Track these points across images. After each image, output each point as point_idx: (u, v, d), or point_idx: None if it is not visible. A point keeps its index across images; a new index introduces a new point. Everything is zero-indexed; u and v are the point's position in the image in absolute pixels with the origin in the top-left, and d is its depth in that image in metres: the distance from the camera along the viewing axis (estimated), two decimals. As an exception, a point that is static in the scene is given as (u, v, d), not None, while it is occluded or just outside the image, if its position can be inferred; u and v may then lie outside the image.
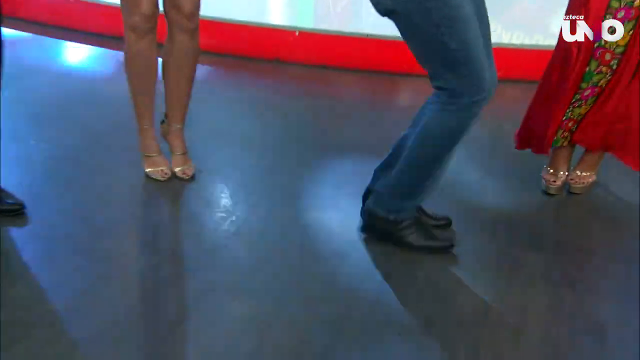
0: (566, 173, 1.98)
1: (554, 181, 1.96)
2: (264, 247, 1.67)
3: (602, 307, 1.47)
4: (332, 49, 2.98)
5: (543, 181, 1.98)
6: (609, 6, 1.72)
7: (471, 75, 1.39)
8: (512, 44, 2.92)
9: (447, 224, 1.75)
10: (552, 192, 1.96)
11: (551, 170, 1.99)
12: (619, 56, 1.77)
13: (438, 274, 1.58)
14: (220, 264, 1.59)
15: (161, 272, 1.56)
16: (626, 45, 1.75)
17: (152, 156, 1.94)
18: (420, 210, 1.72)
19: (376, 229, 1.66)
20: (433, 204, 1.73)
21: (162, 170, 1.94)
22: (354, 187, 1.77)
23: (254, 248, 1.67)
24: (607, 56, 1.77)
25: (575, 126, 1.91)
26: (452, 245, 1.64)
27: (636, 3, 1.70)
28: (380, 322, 1.39)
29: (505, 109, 2.73)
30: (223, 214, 1.80)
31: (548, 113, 1.89)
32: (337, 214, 1.84)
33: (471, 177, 2.08)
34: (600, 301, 1.50)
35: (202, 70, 2.90)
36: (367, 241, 1.68)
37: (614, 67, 1.79)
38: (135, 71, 1.83)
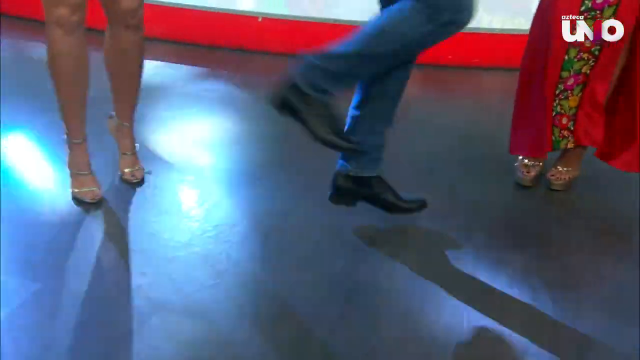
0: (540, 164, 1.87)
1: (528, 172, 1.85)
2: (217, 259, 1.50)
3: (584, 316, 1.36)
4: (301, 36, 2.78)
5: (517, 173, 1.87)
6: None
7: None
8: (492, 29, 2.76)
9: (421, 206, 1.63)
10: (526, 183, 1.85)
11: (525, 160, 1.87)
12: (600, 43, 1.65)
13: (407, 283, 1.44)
14: (169, 280, 1.42)
15: (104, 288, 1.40)
16: None
17: (82, 175, 1.71)
18: (394, 194, 1.58)
19: (287, 103, 1.41)
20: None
21: (92, 191, 1.70)
22: (321, 190, 1.61)
23: (207, 261, 1.50)
24: (587, 42, 1.66)
25: (572, 123, 1.78)
26: (357, 150, 1.45)
27: None
28: (341, 342, 1.25)
29: (484, 97, 2.61)
30: (173, 223, 1.63)
31: (533, 108, 1.76)
32: (300, 221, 1.67)
33: (446, 171, 1.95)
34: (583, 309, 1.38)
35: (157, 61, 2.74)
36: (330, 253, 1.53)
37: (596, 52, 1.68)
38: (62, 74, 1.57)
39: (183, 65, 2.83)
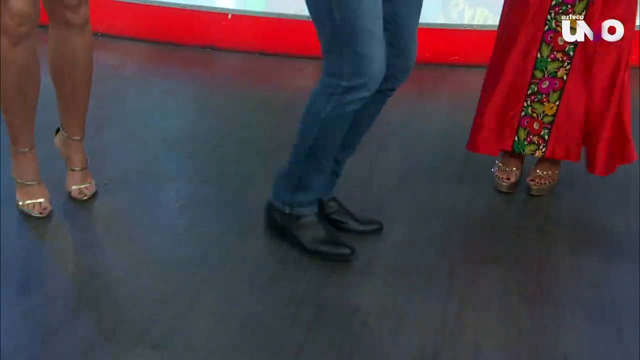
0: (519, 169, 1.77)
1: (507, 178, 1.76)
2: (171, 282, 1.36)
3: (564, 334, 1.26)
4: (274, 34, 2.66)
5: (495, 178, 1.78)
6: None
7: (354, 55, 1.23)
8: (471, 25, 2.64)
9: (377, 229, 1.54)
10: (504, 189, 1.76)
11: (503, 166, 1.78)
12: (573, 42, 1.58)
13: (377, 303, 1.33)
14: (115, 305, 1.29)
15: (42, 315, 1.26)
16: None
17: (29, 185, 1.55)
18: (347, 213, 1.53)
19: (276, 223, 1.49)
20: (373, 209, 1.55)
21: (40, 203, 1.55)
22: None
23: (158, 284, 1.36)
24: (560, 40, 1.59)
25: (547, 132, 1.68)
26: (351, 254, 1.44)
27: None
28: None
29: (464, 98, 2.50)
30: (124, 241, 1.50)
31: (494, 101, 1.66)
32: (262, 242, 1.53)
33: (420, 176, 1.84)
34: (563, 327, 1.29)
35: (121, 60, 2.58)
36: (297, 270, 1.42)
37: (571, 54, 1.59)
38: (10, 86, 1.43)
39: (147, 64, 2.69)
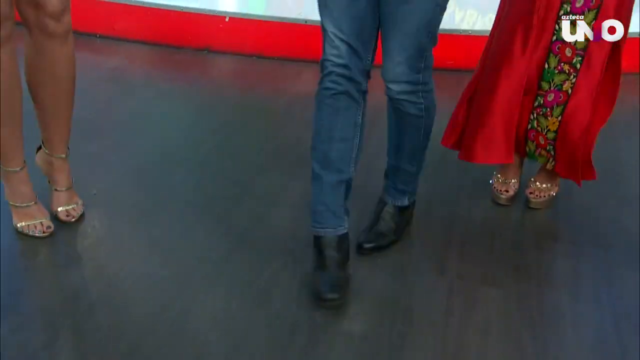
0: (517, 181, 1.73)
1: (506, 190, 1.71)
2: (157, 300, 1.30)
3: (568, 356, 1.22)
4: (272, 37, 2.59)
5: (493, 190, 1.73)
6: None
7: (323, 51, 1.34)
8: (465, 30, 2.57)
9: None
10: (502, 202, 1.71)
11: (501, 178, 1.73)
12: (581, 53, 1.51)
13: (372, 325, 1.27)
14: (102, 324, 1.23)
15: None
16: (587, 40, 1.50)
17: (27, 206, 1.46)
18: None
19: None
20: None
21: (42, 223, 1.46)
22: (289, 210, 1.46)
23: (145, 301, 1.30)
24: (568, 52, 1.53)
25: (552, 149, 1.62)
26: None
27: None
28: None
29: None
30: (110, 257, 1.43)
31: (495, 110, 1.58)
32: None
33: (419, 191, 1.71)
34: (566, 348, 1.24)
35: (118, 63, 2.49)
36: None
37: (578, 66, 1.53)
38: None
39: (144, 67, 2.62)
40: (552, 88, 1.58)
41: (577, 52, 1.52)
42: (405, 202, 1.56)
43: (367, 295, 1.36)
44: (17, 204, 1.45)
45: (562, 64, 1.55)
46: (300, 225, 1.53)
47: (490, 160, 1.65)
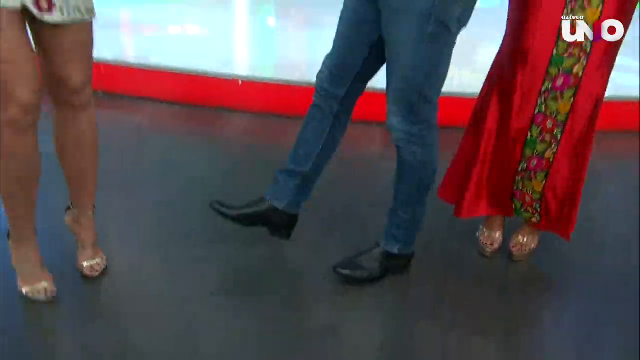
0: (502, 234, 1.81)
1: (491, 244, 1.80)
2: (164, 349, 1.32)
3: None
4: (278, 97, 2.77)
5: (479, 242, 1.82)
6: (547, 72, 1.53)
7: None
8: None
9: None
10: (487, 255, 1.80)
11: (486, 233, 1.82)
12: (561, 125, 1.59)
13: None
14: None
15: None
16: (567, 114, 1.57)
17: (32, 271, 1.48)
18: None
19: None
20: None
21: (45, 288, 1.47)
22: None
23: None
24: (549, 124, 1.60)
25: (538, 207, 1.71)
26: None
27: (575, 70, 1.52)
28: None
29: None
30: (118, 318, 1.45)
31: (482, 170, 1.68)
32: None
33: None
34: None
35: (140, 120, 2.66)
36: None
37: (559, 137, 1.61)
38: (10, 175, 1.35)
39: (165, 124, 2.76)
40: (534, 155, 1.64)
41: (557, 124, 1.58)
42: (395, 250, 1.60)
43: (352, 342, 1.41)
44: (23, 269, 1.48)
45: (544, 134, 1.61)
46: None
47: (473, 214, 1.74)
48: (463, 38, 1.40)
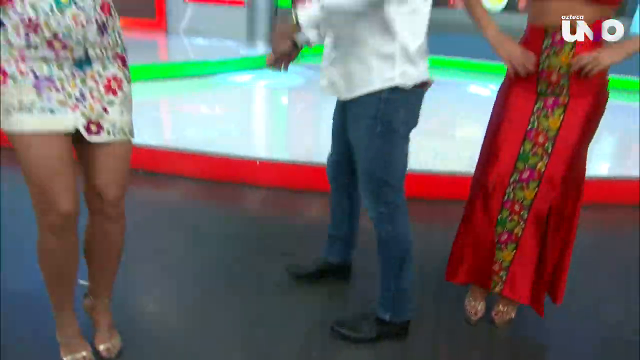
0: (483, 305, 1.97)
1: (475, 313, 1.97)
2: None
3: None
4: (290, 174, 3.06)
5: (465, 310, 1.98)
6: (515, 167, 1.71)
7: None
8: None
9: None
10: (472, 322, 1.95)
11: (472, 300, 1.99)
12: (526, 211, 1.72)
13: None
14: None
15: None
16: (532, 200, 1.72)
17: (72, 342, 1.58)
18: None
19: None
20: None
21: (83, 356, 1.57)
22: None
23: None
24: (516, 207, 1.75)
25: (505, 274, 1.83)
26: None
27: (538, 166, 1.69)
28: None
29: (447, 227, 2.46)
30: None
31: (468, 242, 1.85)
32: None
33: None
34: None
35: (173, 196, 2.86)
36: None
37: (525, 216, 1.76)
38: (51, 270, 1.45)
39: (191, 198, 2.90)
40: (504, 230, 1.78)
41: (523, 208, 1.72)
42: (386, 317, 1.70)
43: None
44: (65, 341, 1.58)
45: (512, 214, 1.75)
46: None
47: (456, 280, 1.91)
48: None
